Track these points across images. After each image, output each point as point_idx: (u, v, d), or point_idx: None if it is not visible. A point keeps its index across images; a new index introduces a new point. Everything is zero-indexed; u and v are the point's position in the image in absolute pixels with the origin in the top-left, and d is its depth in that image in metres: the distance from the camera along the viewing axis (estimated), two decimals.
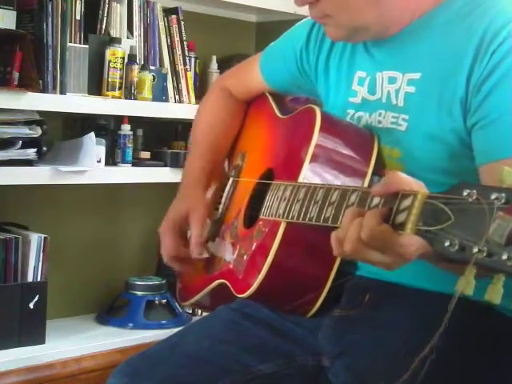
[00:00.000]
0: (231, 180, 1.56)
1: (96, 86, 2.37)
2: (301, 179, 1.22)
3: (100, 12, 2.38)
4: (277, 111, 1.50)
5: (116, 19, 2.45)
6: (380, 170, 1.28)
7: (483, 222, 0.83)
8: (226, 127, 1.62)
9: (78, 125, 2.53)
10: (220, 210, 1.54)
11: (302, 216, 1.15)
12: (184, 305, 1.73)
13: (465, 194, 0.86)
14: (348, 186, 1.08)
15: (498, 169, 1.13)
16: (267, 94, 1.58)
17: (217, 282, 1.40)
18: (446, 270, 1.07)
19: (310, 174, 1.23)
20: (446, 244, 0.86)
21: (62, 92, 2.24)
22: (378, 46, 1.34)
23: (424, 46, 1.28)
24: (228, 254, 1.40)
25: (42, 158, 2.21)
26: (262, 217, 1.30)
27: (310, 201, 1.14)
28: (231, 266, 1.36)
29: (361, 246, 0.98)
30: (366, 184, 1.23)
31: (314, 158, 1.23)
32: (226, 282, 1.35)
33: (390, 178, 0.98)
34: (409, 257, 0.97)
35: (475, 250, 0.83)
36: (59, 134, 2.50)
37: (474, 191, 0.85)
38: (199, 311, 2.65)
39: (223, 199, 1.55)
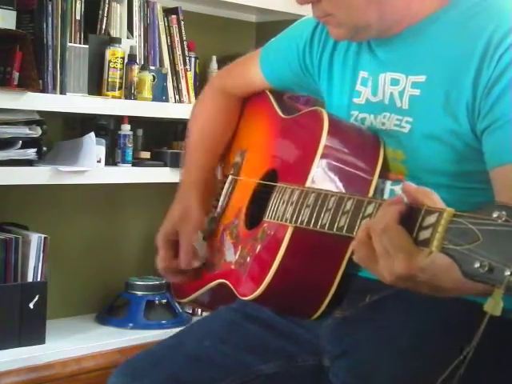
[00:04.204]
0: (230, 178, 1.55)
1: (96, 86, 2.37)
2: (309, 182, 1.21)
3: (100, 12, 2.38)
4: (279, 110, 1.49)
5: (116, 19, 2.45)
6: (384, 173, 1.28)
7: None
8: (221, 129, 1.61)
9: (77, 125, 2.53)
10: (218, 208, 1.53)
11: (312, 222, 1.14)
12: (180, 302, 1.73)
13: (494, 215, 0.85)
14: (363, 196, 1.08)
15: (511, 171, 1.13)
16: (267, 92, 1.57)
17: (217, 281, 1.40)
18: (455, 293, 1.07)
19: (318, 177, 1.22)
20: (476, 265, 0.85)
21: (62, 92, 2.24)
22: (383, 46, 1.33)
23: (428, 47, 1.27)
24: (229, 253, 1.40)
25: (42, 158, 2.21)
26: (266, 219, 1.30)
27: (322, 207, 1.13)
28: (233, 267, 1.36)
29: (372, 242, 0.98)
30: (372, 188, 1.23)
31: (321, 162, 1.23)
32: (228, 282, 1.35)
33: (423, 189, 0.98)
34: (416, 271, 0.96)
35: (507, 272, 0.82)
36: (59, 134, 2.50)
37: (504, 213, 0.84)
38: (199, 311, 2.66)
39: (222, 197, 1.54)
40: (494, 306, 0.84)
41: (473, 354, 0.91)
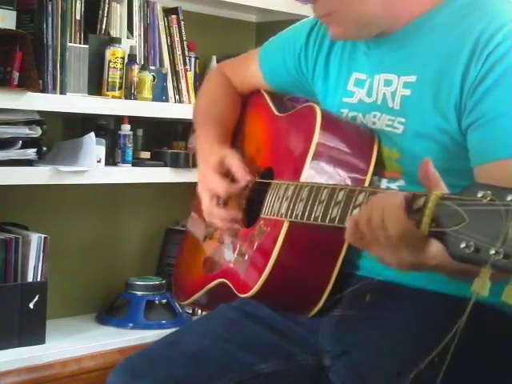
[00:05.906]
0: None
1: (96, 86, 2.37)
2: (303, 177, 1.22)
3: (100, 12, 2.38)
4: (274, 109, 1.49)
5: (116, 19, 2.45)
6: (379, 170, 1.28)
7: (499, 224, 0.83)
8: (228, 105, 1.61)
9: (77, 125, 2.52)
10: None
11: (306, 215, 1.14)
12: (182, 303, 1.73)
13: (479, 195, 0.85)
14: (354, 187, 1.08)
15: (494, 169, 1.13)
16: (263, 91, 1.58)
17: (217, 281, 1.40)
18: (457, 276, 1.07)
19: (312, 172, 1.22)
20: (462, 245, 0.86)
21: (62, 92, 2.24)
22: (377, 48, 1.34)
23: (420, 48, 1.28)
24: (228, 252, 1.40)
25: (42, 158, 2.21)
26: (262, 216, 1.30)
27: (315, 200, 1.13)
28: (232, 266, 1.36)
29: (377, 228, 0.97)
30: (367, 182, 1.23)
31: (315, 157, 1.23)
32: (227, 281, 1.35)
33: (436, 177, 0.97)
34: (423, 256, 0.96)
35: (492, 251, 0.83)
36: (59, 134, 2.50)
37: (489, 192, 0.84)
38: (199, 311, 2.65)
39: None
40: (481, 285, 0.85)
41: (459, 342, 0.91)
